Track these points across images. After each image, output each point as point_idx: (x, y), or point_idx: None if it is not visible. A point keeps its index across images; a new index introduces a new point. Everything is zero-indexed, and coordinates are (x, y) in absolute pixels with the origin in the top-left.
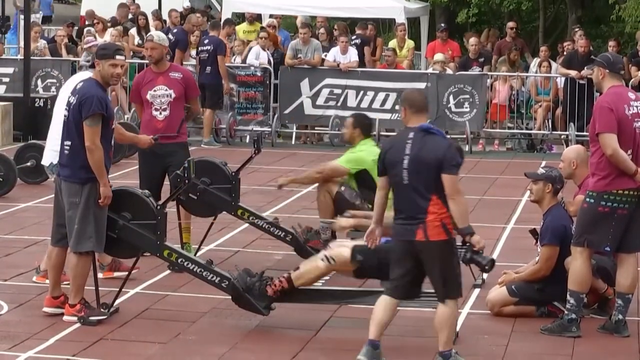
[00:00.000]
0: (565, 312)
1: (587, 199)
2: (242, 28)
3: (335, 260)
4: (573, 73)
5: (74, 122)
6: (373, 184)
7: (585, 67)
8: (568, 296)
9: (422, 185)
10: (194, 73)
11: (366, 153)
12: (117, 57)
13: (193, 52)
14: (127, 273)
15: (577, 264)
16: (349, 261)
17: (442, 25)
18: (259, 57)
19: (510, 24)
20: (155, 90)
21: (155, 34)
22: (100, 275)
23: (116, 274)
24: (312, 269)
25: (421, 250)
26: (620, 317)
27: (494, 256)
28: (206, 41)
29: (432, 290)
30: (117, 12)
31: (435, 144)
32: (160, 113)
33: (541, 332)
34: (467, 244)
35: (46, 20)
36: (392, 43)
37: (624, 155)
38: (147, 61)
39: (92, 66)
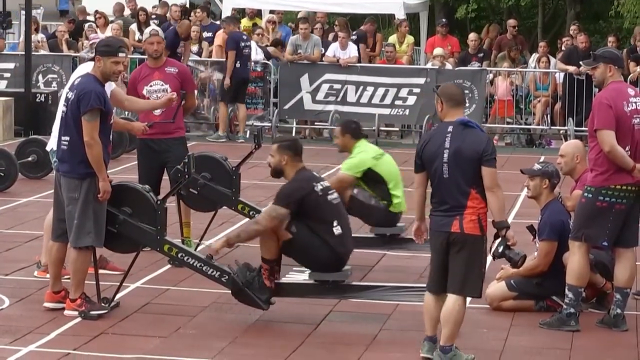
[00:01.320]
0: (564, 306)
1: (586, 194)
2: (242, 24)
3: (276, 215)
4: (571, 69)
5: (72, 117)
6: (380, 178)
7: (582, 63)
8: (566, 290)
9: (461, 178)
10: (194, 68)
11: (364, 153)
12: (120, 54)
13: (194, 48)
14: (114, 271)
15: (575, 258)
16: (286, 228)
17: (443, 20)
18: (257, 52)
19: (511, 21)
20: (151, 86)
21: (158, 29)
22: (35, 273)
23: (102, 271)
24: (245, 229)
25: (453, 242)
26: (619, 311)
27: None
28: (245, 37)
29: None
30: (113, 8)
31: (475, 137)
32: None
33: (540, 326)
34: (500, 238)
35: (63, 14)
36: (392, 38)
37: (622, 152)
38: (146, 56)
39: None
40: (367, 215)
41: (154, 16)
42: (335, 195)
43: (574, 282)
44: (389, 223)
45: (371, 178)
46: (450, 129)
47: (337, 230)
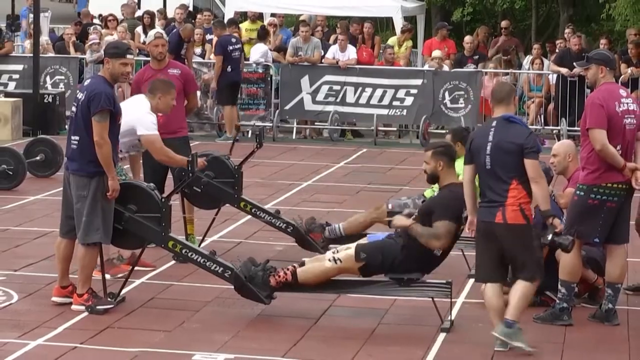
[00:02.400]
0: (557, 301)
1: (577, 192)
2: (244, 26)
3: (342, 261)
4: (564, 70)
5: (82, 117)
6: None
7: (575, 64)
8: (559, 286)
9: (502, 169)
10: (197, 69)
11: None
12: (128, 56)
13: (198, 50)
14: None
15: (568, 255)
16: (354, 260)
17: (446, 23)
18: (265, 55)
19: (504, 23)
20: None
21: (162, 32)
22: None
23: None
24: (318, 268)
25: (500, 233)
26: (610, 306)
27: None
28: (234, 40)
29: (432, 280)
30: (122, 9)
31: (516, 131)
32: None
33: (534, 321)
34: (549, 225)
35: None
36: (392, 40)
37: (613, 150)
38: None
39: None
40: None
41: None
42: (464, 226)
43: (566, 278)
44: None
45: None
46: (494, 123)
47: (437, 252)
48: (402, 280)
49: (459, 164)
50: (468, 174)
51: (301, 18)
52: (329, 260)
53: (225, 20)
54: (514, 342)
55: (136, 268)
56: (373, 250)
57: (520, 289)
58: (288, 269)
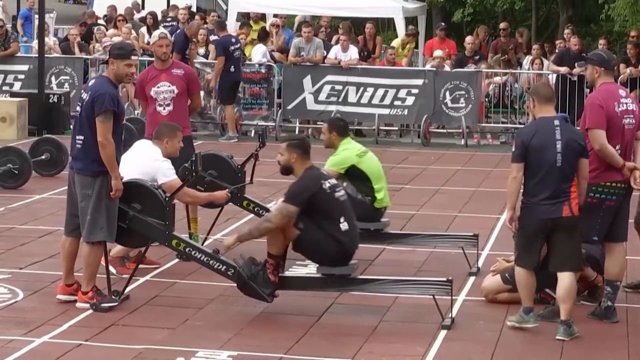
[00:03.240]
0: (602, 299)
1: None
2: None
3: (281, 212)
4: (563, 70)
5: (86, 117)
6: (363, 175)
7: (576, 64)
8: (605, 286)
9: (570, 167)
10: (200, 69)
11: (348, 151)
12: (132, 57)
13: (202, 50)
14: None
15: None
16: (289, 217)
17: (442, 24)
18: (265, 56)
19: (502, 24)
20: (158, 87)
21: (166, 32)
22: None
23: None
24: (256, 226)
25: (564, 225)
26: (610, 303)
27: (489, 245)
28: (234, 40)
29: (432, 278)
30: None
31: (576, 132)
32: (164, 108)
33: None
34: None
35: None
36: (396, 42)
37: (612, 150)
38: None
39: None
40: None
41: (169, 19)
42: (342, 192)
43: (611, 278)
44: (373, 218)
45: (355, 175)
46: (557, 122)
47: (343, 226)
48: (332, 276)
49: (341, 151)
50: (516, 169)
51: (296, 19)
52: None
53: (227, 21)
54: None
55: (140, 266)
56: (311, 226)
57: (573, 289)
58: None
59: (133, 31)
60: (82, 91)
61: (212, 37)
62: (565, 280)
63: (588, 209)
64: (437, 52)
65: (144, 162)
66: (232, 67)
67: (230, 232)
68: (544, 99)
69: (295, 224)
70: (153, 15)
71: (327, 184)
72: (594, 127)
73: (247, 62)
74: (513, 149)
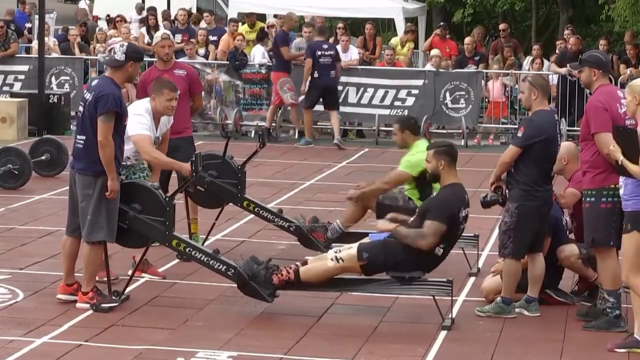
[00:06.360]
0: (609, 310)
1: (588, 199)
2: (244, 29)
3: (344, 260)
4: (563, 70)
5: (88, 117)
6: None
7: (568, 65)
8: (606, 295)
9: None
10: (200, 70)
11: (424, 154)
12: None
13: (202, 51)
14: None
15: (604, 264)
16: (356, 260)
17: (442, 23)
18: (265, 56)
19: (502, 25)
20: None
21: (169, 33)
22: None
23: (146, 275)
24: (321, 267)
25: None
26: (617, 312)
27: (489, 246)
28: (326, 47)
29: (433, 278)
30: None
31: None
32: None
33: (584, 328)
34: None
35: None
36: (395, 40)
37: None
38: (154, 59)
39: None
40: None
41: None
42: (466, 223)
43: (610, 287)
44: None
45: (423, 179)
46: (556, 117)
47: (439, 250)
48: (404, 278)
49: (415, 152)
50: (513, 157)
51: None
52: (332, 259)
53: (228, 19)
54: None
55: (145, 275)
56: (375, 249)
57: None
58: (291, 268)
59: (133, 32)
60: (85, 91)
61: (211, 38)
62: (542, 261)
63: (603, 215)
64: (434, 52)
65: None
66: (317, 72)
67: (230, 232)
68: (545, 92)
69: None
70: (154, 15)
71: (463, 213)
72: (601, 131)
73: (248, 62)
74: (519, 134)
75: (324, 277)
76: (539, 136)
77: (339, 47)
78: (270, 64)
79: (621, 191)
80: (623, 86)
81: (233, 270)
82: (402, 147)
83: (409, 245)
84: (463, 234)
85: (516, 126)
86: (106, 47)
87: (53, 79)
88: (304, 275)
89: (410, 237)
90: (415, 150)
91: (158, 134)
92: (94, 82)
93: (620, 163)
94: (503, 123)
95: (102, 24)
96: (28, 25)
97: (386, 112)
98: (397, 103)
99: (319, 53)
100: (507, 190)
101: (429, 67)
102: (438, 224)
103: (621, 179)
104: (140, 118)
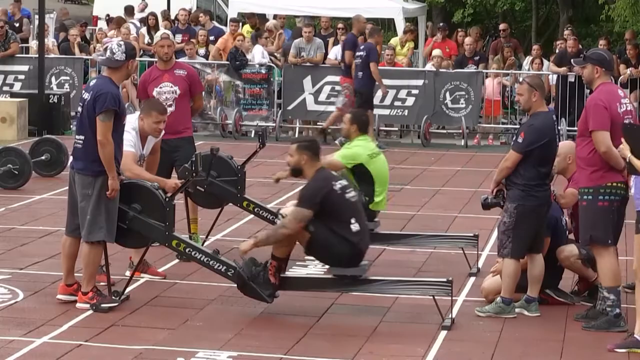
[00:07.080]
0: (609, 308)
1: (585, 197)
2: (245, 29)
3: (296, 217)
4: (562, 70)
5: (87, 117)
6: (369, 176)
7: (572, 60)
8: (607, 293)
9: None
10: (200, 70)
11: (361, 148)
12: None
13: (202, 51)
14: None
15: (603, 261)
16: (304, 221)
17: (442, 24)
18: (264, 56)
19: (502, 26)
20: (160, 87)
21: (169, 33)
22: (127, 272)
23: (145, 275)
24: (273, 232)
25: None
26: (618, 311)
27: (489, 246)
28: (361, 47)
29: (432, 279)
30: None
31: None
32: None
33: (584, 329)
34: None
35: None
36: (395, 40)
37: (617, 152)
38: (155, 59)
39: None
40: None
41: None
42: (353, 193)
43: (611, 284)
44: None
45: (361, 174)
46: (553, 117)
47: (354, 227)
48: (346, 276)
49: (354, 146)
50: (514, 162)
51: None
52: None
53: (229, 19)
54: None
55: (145, 275)
56: (325, 230)
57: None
58: (269, 262)
59: (133, 32)
60: (84, 91)
61: (212, 38)
62: (541, 261)
63: (601, 213)
64: (436, 52)
65: None
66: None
67: (230, 232)
68: (543, 92)
69: (305, 227)
70: (154, 15)
71: (337, 185)
72: (599, 129)
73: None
74: (520, 139)
75: (282, 237)
76: (540, 141)
77: (338, 47)
78: (271, 64)
79: (632, 191)
80: (623, 86)
81: (233, 271)
82: (345, 136)
83: (325, 238)
84: (463, 234)
85: (516, 126)
86: (102, 46)
87: (53, 79)
88: (274, 251)
89: (272, 234)
90: (354, 143)
91: (145, 152)
92: (92, 82)
93: (628, 160)
94: (503, 123)
95: (102, 24)
96: (16, 25)
97: (386, 112)
98: (397, 103)
99: (358, 54)
100: (505, 191)
101: (429, 67)
102: (298, 209)
103: (632, 179)
104: (125, 134)
